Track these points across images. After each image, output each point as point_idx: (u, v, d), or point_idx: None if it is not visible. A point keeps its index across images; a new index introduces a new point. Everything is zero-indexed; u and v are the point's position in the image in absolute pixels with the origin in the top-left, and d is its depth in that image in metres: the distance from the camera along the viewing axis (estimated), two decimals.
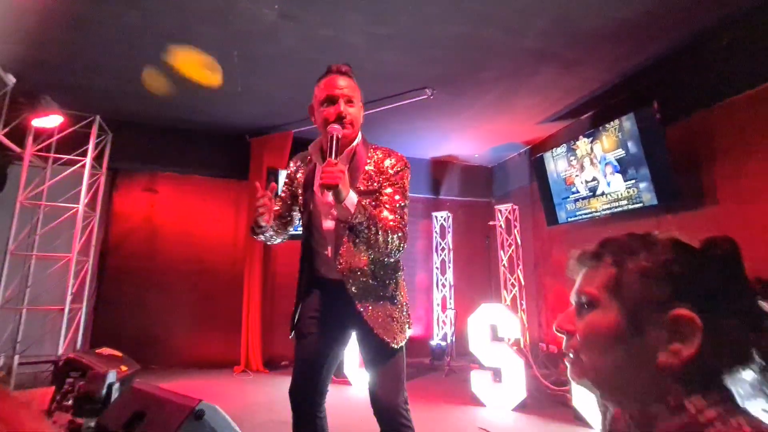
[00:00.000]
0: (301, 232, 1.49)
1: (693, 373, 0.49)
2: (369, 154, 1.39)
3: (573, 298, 0.60)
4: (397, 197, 1.33)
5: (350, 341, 1.48)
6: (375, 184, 1.35)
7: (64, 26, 2.75)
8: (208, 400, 1.38)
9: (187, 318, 4.44)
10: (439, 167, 5.55)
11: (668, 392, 0.50)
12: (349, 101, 1.35)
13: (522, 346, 4.50)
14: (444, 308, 5.06)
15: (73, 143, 3.82)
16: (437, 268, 5.22)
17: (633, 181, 3.24)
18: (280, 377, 3.99)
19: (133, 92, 3.68)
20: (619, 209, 3.40)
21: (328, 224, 1.39)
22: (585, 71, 3.26)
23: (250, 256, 4.41)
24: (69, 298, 3.60)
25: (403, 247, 1.31)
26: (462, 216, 5.48)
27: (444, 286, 5.13)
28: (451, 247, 5.16)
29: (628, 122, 3.19)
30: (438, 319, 5.07)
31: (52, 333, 3.53)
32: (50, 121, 3.53)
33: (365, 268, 1.35)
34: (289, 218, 1.55)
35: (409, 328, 1.42)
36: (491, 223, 5.23)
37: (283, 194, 1.55)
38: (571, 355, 0.58)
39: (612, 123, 3.33)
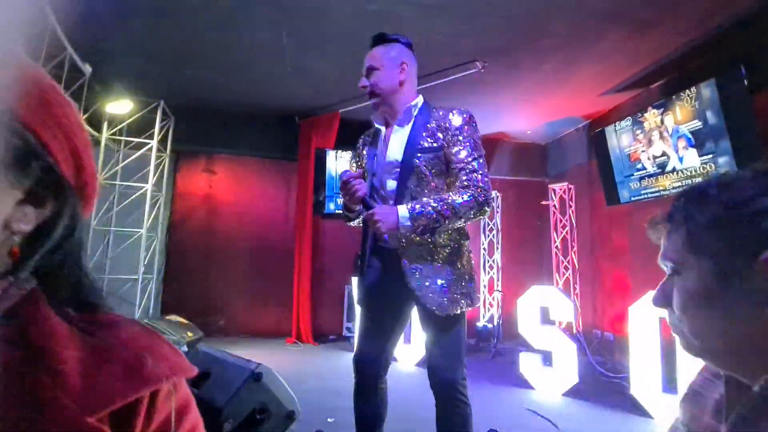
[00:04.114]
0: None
1: None
2: (432, 114, 1.40)
3: (662, 268, 0.54)
4: (467, 157, 1.32)
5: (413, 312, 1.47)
6: (438, 141, 1.35)
7: (130, 17, 2.92)
8: None
9: (244, 291, 4.73)
10: (489, 145, 5.34)
11: None
12: (371, 70, 1.38)
13: (574, 331, 4.33)
14: (491, 290, 4.96)
15: (141, 127, 4.13)
16: (484, 249, 5.10)
17: (710, 156, 2.92)
18: (329, 350, 4.15)
19: (192, 77, 3.86)
20: None
21: (391, 185, 1.39)
22: (659, 33, 2.93)
23: (300, 234, 4.56)
24: (141, 269, 3.97)
25: (485, 205, 1.30)
26: (512, 196, 5.28)
27: (492, 267, 5.02)
28: (499, 227, 5.01)
29: (707, 90, 2.85)
30: (485, 301, 5.00)
31: (128, 300, 3.92)
32: (121, 107, 3.83)
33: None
34: None
35: (469, 300, 1.35)
36: (543, 202, 4.99)
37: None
38: (674, 331, 0.53)
39: (687, 91, 3.00)
